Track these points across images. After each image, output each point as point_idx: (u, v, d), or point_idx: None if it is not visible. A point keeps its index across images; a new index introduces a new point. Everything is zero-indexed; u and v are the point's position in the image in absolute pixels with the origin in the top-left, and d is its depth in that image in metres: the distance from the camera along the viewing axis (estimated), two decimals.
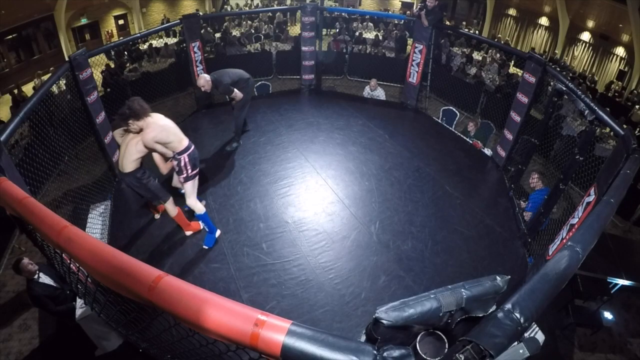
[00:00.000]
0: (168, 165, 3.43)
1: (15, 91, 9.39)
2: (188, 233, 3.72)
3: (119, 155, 3.26)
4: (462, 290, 1.09)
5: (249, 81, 4.72)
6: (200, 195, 4.19)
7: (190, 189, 3.40)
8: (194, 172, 3.36)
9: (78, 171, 4.11)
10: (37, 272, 3.41)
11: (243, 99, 4.70)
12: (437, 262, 3.55)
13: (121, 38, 11.28)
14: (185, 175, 3.32)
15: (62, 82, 4.26)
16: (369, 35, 12.41)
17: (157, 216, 3.94)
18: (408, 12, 15.08)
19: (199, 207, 3.48)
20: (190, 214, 3.65)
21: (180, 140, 3.21)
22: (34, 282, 3.38)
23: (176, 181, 3.71)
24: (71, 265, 1.58)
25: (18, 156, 3.42)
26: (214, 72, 4.53)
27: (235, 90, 4.54)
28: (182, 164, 3.25)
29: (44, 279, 3.45)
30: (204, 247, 3.59)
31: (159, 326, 1.30)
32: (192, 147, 3.31)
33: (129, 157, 3.13)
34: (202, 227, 3.73)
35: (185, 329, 1.10)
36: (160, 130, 3.08)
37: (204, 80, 4.37)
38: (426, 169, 4.79)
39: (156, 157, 3.36)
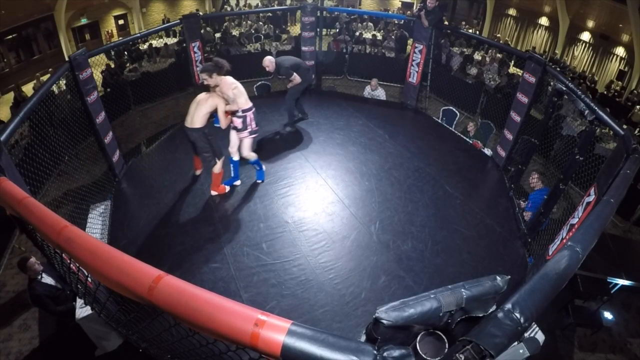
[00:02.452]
0: (227, 120, 3.88)
1: (15, 91, 9.38)
2: (214, 193, 4.18)
3: (189, 114, 3.77)
4: (462, 290, 1.09)
5: (309, 70, 5.13)
6: (201, 196, 4.21)
7: (248, 143, 4.04)
8: (256, 128, 4.00)
9: (78, 171, 4.10)
10: (41, 272, 3.42)
11: (299, 85, 5.04)
12: (437, 262, 3.55)
13: (121, 38, 11.28)
14: (250, 129, 3.94)
15: (62, 82, 4.26)
16: (369, 35, 12.41)
17: (197, 172, 4.47)
18: (408, 12, 15.09)
19: (252, 156, 4.16)
20: None
21: (246, 100, 3.83)
22: (36, 282, 3.38)
23: (234, 139, 4.12)
24: (71, 265, 1.58)
25: (18, 156, 3.42)
26: (277, 57, 4.99)
27: (295, 74, 4.89)
28: (248, 120, 3.89)
29: (46, 279, 3.46)
30: (258, 181, 4.37)
31: (159, 326, 1.30)
32: (254, 108, 3.92)
33: (200, 113, 3.69)
34: (227, 190, 4.26)
35: (185, 329, 1.10)
36: (236, 86, 3.74)
37: (269, 60, 4.82)
38: (426, 169, 4.79)
39: (220, 112, 3.76)
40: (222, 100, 3.73)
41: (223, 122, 3.82)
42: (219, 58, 3.73)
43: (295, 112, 5.55)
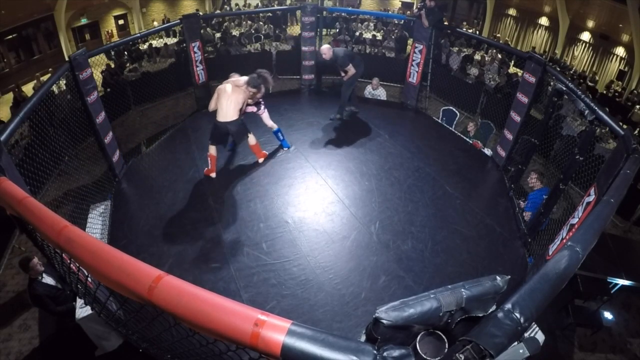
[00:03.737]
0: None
1: (15, 91, 9.38)
2: (261, 160, 4.75)
3: (223, 109, 4.07)
4: (462, 290, 1.09)
5: (362, 63, 5.27)
6: (201, 196, 4.21)
7: (267, 115, 4.80)
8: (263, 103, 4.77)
9: (78, 171, 4.10)
10: (42, 272, 3.42)
11: (354, 76, 5.22)
12: (437, 262, 3.55)
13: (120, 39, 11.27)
14: (263, 106, 4.74)
15: (62, 82, 4.26)
16: (369, 35, 12.42)
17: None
18: (408, 12, 15.09)
19: (274, 125, 4.86)
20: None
21: None
22: (36, 282, 3.38)
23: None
24: (71, 265, 1.58)
25: (18, 156, 3.42)
26: (334, 48, 5.19)
27: (351, 64, 5.05)
28: (262, 105, 4.73)
29: (46, 279, 3.46)
30: (284, 149, 4.95)
31: (159, 326, 1.30)
32: None
33: (235, 108, 4.07)
34: (267, 154, 4.86)
35: (185, 329, 1.10)
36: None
37: (327, 48, 5.03)
38: (426, 169, 4.79)
39: (244, 104, 4.27)
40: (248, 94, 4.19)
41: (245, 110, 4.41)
42: (265, 74, 4.19)
43: (348, 105, 5.70)
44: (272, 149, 4.99)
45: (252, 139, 4.57)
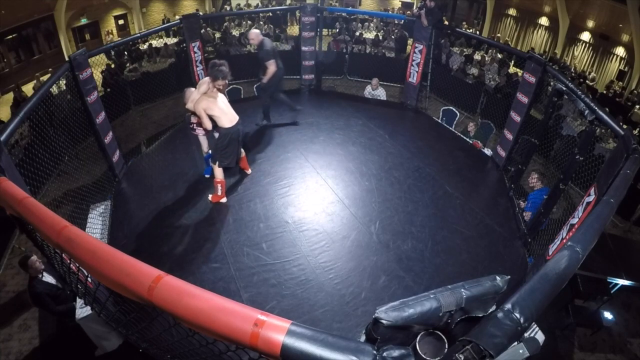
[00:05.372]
0: None
1: (15, 91, 9.38)
2: (249, 172, 4.49)
3: (228, 112, 3.73)
4: (462, 290, 1.09)
5: (281, 69, 4.96)
6: (201, 196, 4.21)
7: (205, 139, 4.27)
8: None
9: (78, 171, 4.11)
10: (42, 271, 3.43)
11: (273, 79, 4.83)
12: (437, 262, 3.55)
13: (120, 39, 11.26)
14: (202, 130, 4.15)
15: (62, 82, 4.26)
16: (369, 35, 12.41)
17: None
18: (408, 12, 15.09)
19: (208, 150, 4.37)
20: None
21: None
22: (36, 280, 3.38)
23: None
24: (71, 265, 1.58)
25: (18, 156, 3.42)
26: (265, 38, 4.82)
27: (272, 61, 4.68)
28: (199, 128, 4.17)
29: (47, 277, 3.46)
30: (206, 176, 4.43)
31: (159, 326, 1.30)
32: None
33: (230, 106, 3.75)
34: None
35: (185, 329, 1.10)
36: None
37: (255, 34, 4.70)
38: (426, 169, 4.79)
39: None
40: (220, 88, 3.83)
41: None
42: (214, 60, 3.69)
43: (265, 118, 5.45)
44: (272, 149, 4.99)
45: (242, 152, 4.29)
